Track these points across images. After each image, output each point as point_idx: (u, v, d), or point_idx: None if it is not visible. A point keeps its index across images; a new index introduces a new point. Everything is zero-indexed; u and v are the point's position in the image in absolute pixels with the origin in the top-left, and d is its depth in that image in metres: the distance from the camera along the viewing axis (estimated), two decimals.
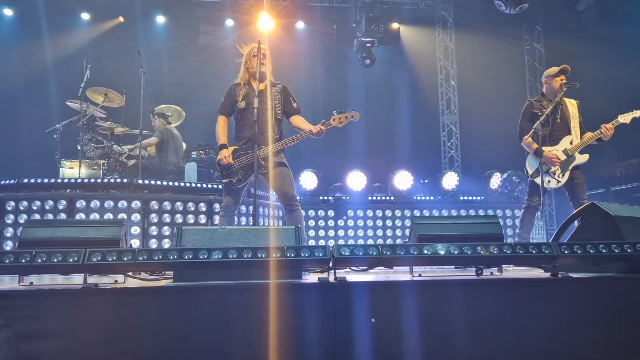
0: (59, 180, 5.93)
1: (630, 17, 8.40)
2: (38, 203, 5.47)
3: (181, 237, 2.59)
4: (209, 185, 6.21)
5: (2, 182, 5.71)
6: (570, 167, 4.65)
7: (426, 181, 8.12)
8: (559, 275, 2.41)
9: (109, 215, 5.52)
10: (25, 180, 5.66)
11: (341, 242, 7.15)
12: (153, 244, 5.60)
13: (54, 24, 9.29)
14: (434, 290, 2.29)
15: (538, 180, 4.58)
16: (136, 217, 5.60)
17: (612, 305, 2.31)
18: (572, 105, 4.81)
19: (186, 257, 2.20)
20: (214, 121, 4.40)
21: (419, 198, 7.54)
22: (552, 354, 2.24)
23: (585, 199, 4.58)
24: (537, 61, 10.59)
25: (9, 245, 5.31)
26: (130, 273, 2.47)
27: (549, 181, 4.66)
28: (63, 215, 5.43)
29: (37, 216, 5.44)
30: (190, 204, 5.85)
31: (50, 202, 5.47)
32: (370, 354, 2.14)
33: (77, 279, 2.48)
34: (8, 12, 9.52)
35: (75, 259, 2.16)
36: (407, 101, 10.13)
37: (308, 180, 7.33)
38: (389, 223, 7.32)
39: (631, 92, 7.08)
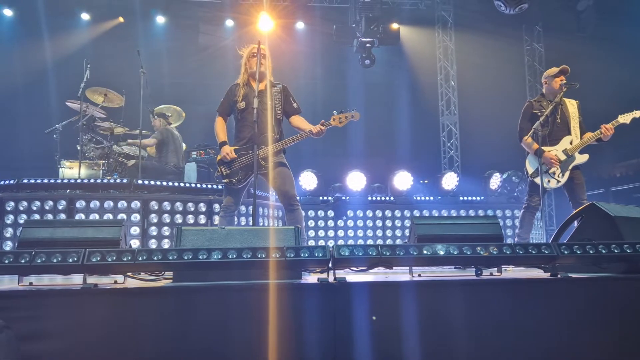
0: (59, 181, 5.93)
1: (630, 17, 8.40)
2: (38, 203, 5.47)
3: (181, 237, 2.59)
4: (209, 186, 6.21)
5: (2, 182, 5.71)
6: (570, 167, 4.65)
7: (426, 181, 8.12)
8: (559, 276, 2.41)
9: (108, 216, 5.52)
10: (25, 181, 5.66)
11: (341, 242, 7.15)
12: (153, 244, 5.60)
13: (53, 24, 9.29)
14: (434, 291, 2.28)
15: (538, 180, 4.58)
16: (136, 217, 5.60)
17: (612, 306, 2.31)
18: (572, 106, 4.81)
19: (186, 258, 2.20)
20: (214, 121, 4.40)
21: (418, 198, 7.54)
22: (552, 354, 2.23)
23: (585, 199, 4.58)
24: (536, 61, 10.60)
25: (8, 246, 5.31)
26: (129, 273, 2.47)
27: (548, 181, 4.66)
28: (63, 216, 5.43)
29: (36, 216, 5.43)
30: (190, 204, 5.85)
31: (50, 203, 5.47)
32: (370, 354, 2.14)
33: (76, 280, 2.48)
34: (8, 12, 9.52)
35: (75, 259, 2.16)
36: (407, 101, 10.13)
37: (308, 180, 7.33)
38: (388, 223, 7.32)
39: (631, 92, 7.08)
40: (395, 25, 9.89)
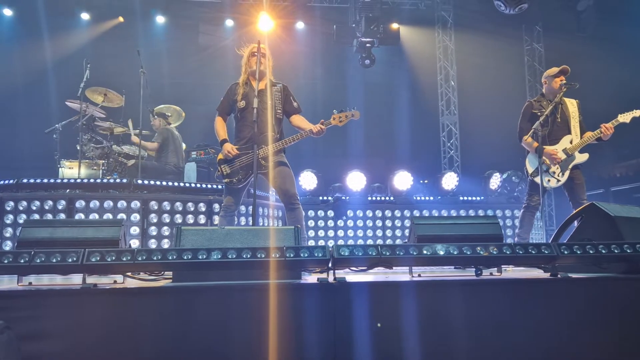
0: (59, 181, 5.93)
1: (630, 17, 8.40)
2: (37, 203, 5.47)
3: (180, 237, 2.59)
4: (209, 186, 6.21)
5: (2, 182, 5.71)
6: (570, 167, 4.65)
7: (426, 181, 8.12)
8: (559, 276, 2.40)
9: (108, 216, 5.52)
10: (25, 181, 5.66)
11: (341, 242, 7.15)
12: (152, 244, 5.59)
13: (53, 24, 9.29)
14: (434, 291, 2.28)
15: (538, 179, 4.58)
16: (135, 217, 5.59)
17: (612, 306, 2.31)
18: (572, 105, 4.81)
19: (185, 258, 2.19)
20: (214, 121, 4.40)
21: (418, 198, 7.54)
22: (552, 354, 2.23)
23: (585, 199, 4.58)
24: (536, 61, 10.60)
25: (8, 246, 5.31)
26: (129, 273, 2.47)
27: (548, 180, 4.66)
28: (62, 216, 5.43)
29: (36, 216, 5.43)
30: (189, 204, 5.84)
31: (50, 202, 5.47)
32: (370, 354, 2.14)
33: (76, 279, 2.48)
34: (8, 12, 9.52)
35: (74, 259, 2.16)
36: (407, 101, 10.13)
37: (308, 180, 7.33)
38: (388, 223, 7.31)
39: (631, 92, 7.08)
40: (395, 25, 9.89)
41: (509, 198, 7.69)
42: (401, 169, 7.63)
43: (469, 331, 2.21)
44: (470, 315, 2.23)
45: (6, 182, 5.68)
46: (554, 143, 4.71)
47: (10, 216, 5.44)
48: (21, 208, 5.46)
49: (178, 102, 7.75)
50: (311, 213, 7.16)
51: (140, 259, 2.17)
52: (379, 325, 2.15)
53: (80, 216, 5.45)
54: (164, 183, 5.98)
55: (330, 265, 2.31)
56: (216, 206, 5.86)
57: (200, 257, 2.19)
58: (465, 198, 7.58)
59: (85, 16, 9.76)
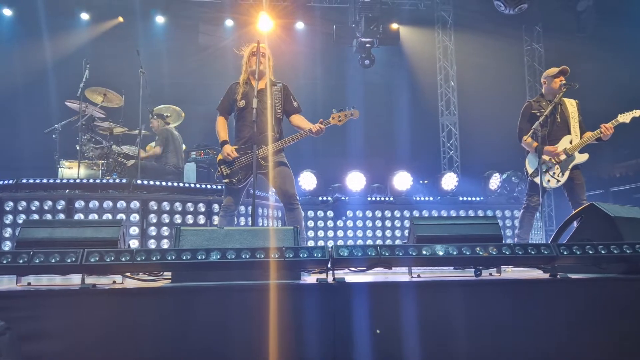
0: (58, 181, 5.92)
1: (630, 17, 8.40)
2: (37, 203, 5.46)
3: (179, 237, 2.59)
4: (208, 186, 6.20)
5: (1, 182, 5.70)
6: (570, 167, 4.64)
7: (425, 182, 8.12)
8: (558, 276, 2.40)
9: (107, 216, 5.51)
10: (24, 181, 5.65)
11: (340, 242, 7.15)
12: (152, 244, 5.59)
13: (53, 24, 9.28)
14: (433, 291, 2.28)
15: (538, 180, 4.58)
16: (135, 217, 5.59)
17: (612, 306, 2.31)
18: (571, 105, 4.81)
19: (184, 258, 2.19)
20: (214, 121, 4.40)
21: (418, 199, 7.54)
22: (552, 354, 2.23)
23: (585, 200, 4.57)
24: (536, 62, 10.59)
25: (7, 246, 5.30)
26: (128, 273, 2.47)
27: (548, 181, 4.66)
28: (62, 216, 5.42)
29: (35, 216, 5.42)
30: (189, 204, 5.84)
31: (49, 203, 5.46)
32: (369, 355, 2.14)
33: (75, 280, 2.48)
34: (7, 12, 9.51)
35: (73, 259, 2.15)
36: (407, 102, 10.13)
37: (307, 180, 7.33)
38: (388, 224, 7.31)
39: (631, 92, 7.08)
40: (394, 26, 9.88)
41: (508, 198, 7.68)
42: (401, 169, 7.63)
43: (469, 331, 2.20)
44: (470, 315, 2.22)
45: (5, 182, 5.68)
46: (554, 143, 4.71)
47: (10, 216, 5.43)
48: (20, 208, 5.45)
49: (178, 102, 7.74)
50: (311, 213, 7.15)
51: (139, 259, 2.17)
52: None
53: (79, 216, 5.44)
54: (164, 183, 5.98)
55: (329, 265, 2.31)
56: (215, 206, 5.85)
57: (199, 257, 2.19)
58: (465, 198, 7.58)
59: (85, 16, 9.75)
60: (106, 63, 8.29)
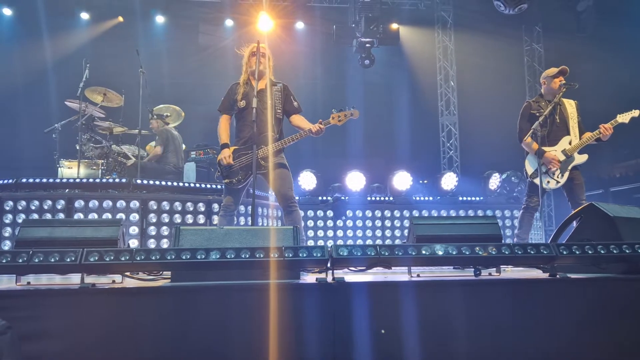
0: (58, 180, 5.92)
1: (630, 18, 8.40)
2: (36, 203, 5.46)
3: (179, 237, 2.58)
4: (208, 186, 6.20)
5: (1, 181, 5.69)
6: (570, 168, 4.64)
7: (425, 182, 8.12)
8: (558, 276, 2.40)
9: (107, 215, 5.51)
10: (24, 180, 5.65)
11: (340, 242, 7.15)
12: (151, 244, 5.59)
13: (53, 23, 9.28)
14: (433, 291, 2.28)
15: (537, 180, 4.58)
16: (135, 217, 5.59)
17: (611, 306, 2.31)
18: (570, 106, 4.81)
19: (184, 257, 2.19)
20: (214, 121, 4.40)
21: (418, 198, 7.54)
22: (551, 354, 2.23)
23: (584, 200, 4.57)
24: (536, 62, 10.59)
25: (7, 245, 5.30)
26: (127, 273, 2.46)
27: (548, 182, 4.65)
28: (61, 215, 5.42)
29: (35, 216, 5.42)
30: (188, 204, 5.84)
31: (49, 202, 5.47)
32: (369, 354, 2.14)
33: (74, 279, 2.48)
34: (7, 11, 9.51)
35: (73, 258, 2.15)
36: (407, 102, 10.13)
37: (307, 180, 7.33)
38: (387, 223, 7.31)
39: (631, 92, 7.08)
40: (394, 26, 9.88)
41: (508, 198, 7.69)
42: (400, 169, 7.63)
43: (468, 331, 2.21)
44: (469, 315, 2.23)
45: (5, 181, 5.67)
46: (553, 144, 4.71)
47: (9, 216, 5.43)
48: (20, 208, 5.45)
49: (178, 102, 7.74)
50: (310, 213, 7.15)
51: (138, 258, 2.17)
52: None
53: (79, 216, 5.44)
54: (163, 183, 5.98)
55: (329, 265, 2.31)
56: (215, 206, 5.85)
57: (198, 257, 2.19)
58: (465, 198, 7.58)
59: (85, 16, 9.75)
60: (106, 63, 8.29)
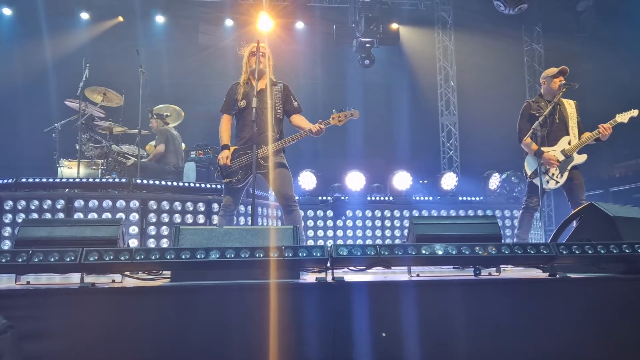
0: (57, 180, 5.92)
1: (630, 18, 8.40)
2: (36, 202, 5.46)
3: (179, 236, 2.58)
4: (208, 185, 6.20)
5: (0, 181, 5.70)
6: (569, 168, 4.64)
7: (425, 181, 8.12)
8: (558, 276, 2.40)
9: (107, 215, 5.51)
10: (24, 180, 5.65)
11: (340, 242, 7.14)
12: (151, 243, 5.59)
13: (53, 23, 9.27)
14: (432, 291, 2.28)
15: (537, 181, 4.58)
16: (134, 216, 5.59)
17: (611, 306, 2.31)
18: (569, 106, 4.81)
19: (183, 257, 2.19)
20: (214, 121, 4.40)
21: (418, 198, 7.54)
22: (551, 354, 2.23)
23: (584, 200, 4.57)
24: (536, 62, 10.59)
25: (7, 245, 5.30)
26: (127, 272, 2.46)
27: (547, 182, 4.65)
28: (61, 215, 5.42)
29: (35, 215, 5.42)
30: (188, 203, 5.84)
31: (49, 202, 5.47)
32: (369, 354, 2.14)
33: (74, 279, 2.47)
34: (7, 11, 9.51)
35: (72, 258, 2.15)
36: (407, 102, 10.13)
37: (307, 180, 7.33)
38: (387, 223, 7.31)
39: (631, 92, 7.08)
40: (394, 26, 9.88)
41: (508, 198, 7.69)
42: (400, 169, 7.63)
43: (468, 331, 2.20)
44: (469, 315, 2.22)
45: (5, 181, 5.67)
46: (553, 144, 4.71)
47: (9, 215, 5.43)
48: (20, 207, 5.45)
49: (178, 102, 7.74)
50: (310, 213, 7.16)
51: (138, 258, 2.17)
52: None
53: (79, 215, 5.44)
54: (163, 183, 5.98)
55: (328, 264, 2.31)
56: (215, 206, 5.85)
57: (198, 256, 2.19)
58: (465, 198, 7.58)
59: (84, 16, 9.74)
60: (106, 63, 8.29)
